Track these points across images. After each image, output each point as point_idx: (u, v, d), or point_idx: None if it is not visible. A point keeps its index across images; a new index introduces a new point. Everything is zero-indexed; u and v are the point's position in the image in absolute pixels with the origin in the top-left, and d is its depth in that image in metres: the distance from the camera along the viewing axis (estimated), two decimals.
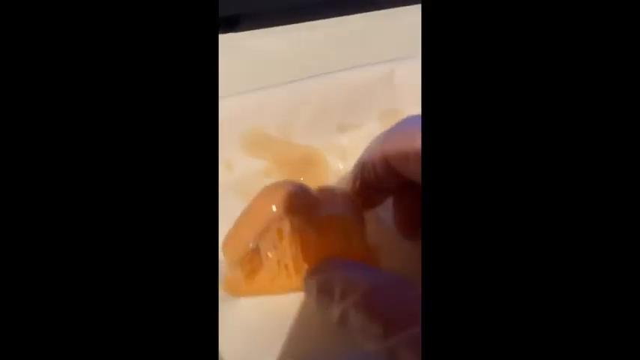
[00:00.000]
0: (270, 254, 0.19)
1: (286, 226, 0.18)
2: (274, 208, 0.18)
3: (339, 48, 0.33)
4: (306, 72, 0.31)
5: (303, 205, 0.18)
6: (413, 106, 0.25)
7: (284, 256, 0.19)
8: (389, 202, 0.21)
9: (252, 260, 0.19)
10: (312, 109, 0.25)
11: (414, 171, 0.17)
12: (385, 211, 0.21)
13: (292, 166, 0.24)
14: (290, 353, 0.19)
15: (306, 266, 0.19)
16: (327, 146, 0.25)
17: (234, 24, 0.34)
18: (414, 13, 0.34)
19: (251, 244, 0.18)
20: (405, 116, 0.19)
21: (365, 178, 0.20)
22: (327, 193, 0.19)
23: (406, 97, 0.26)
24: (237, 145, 0.24)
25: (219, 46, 0.34)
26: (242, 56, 0.33)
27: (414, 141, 0.17)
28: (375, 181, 0.19)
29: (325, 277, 0.17)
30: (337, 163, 0.25)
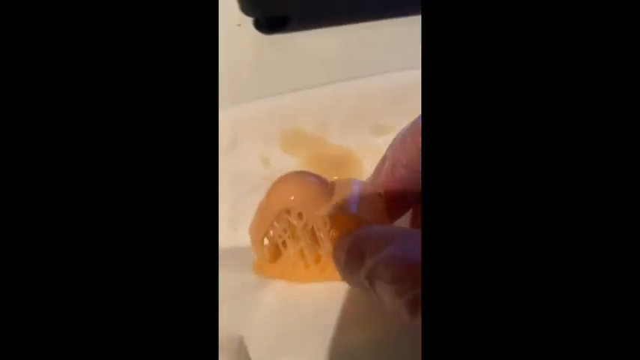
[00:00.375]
0: (283, 243, 0.19)
1: (295, 219, 0.18)
2: (286, 199, 0.17)
3: (382, 50, 0.33)
4: (349, 73, 0.32)
5: (316, 199, 0.17)
6: None
7: (297, 247, 0.19)
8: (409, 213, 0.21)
9: (270, 245, 0.19)
10: (347, 110, 0.26)
11: None
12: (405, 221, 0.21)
13: (326, 165, 0.25)
14: (314, 341, 0.19)
15: (320, 259, 0.19)
16: (362, 147, 0.26)
17: (282, 24, 0.35)
18: None
19: (266, 232, 0.18)
20: None
21: (392, 171, 0.18)
22: (347, 189, 0.18)
23: None
24: (275, 142, 0.25)
25: (267, 45, 0.35)
26: (287, 56, 0.34)
27: None
28: (403, 173, 0.18)
29: (357, 237, 0.16)
30: (371, 164, 0.26)
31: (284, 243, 0.19)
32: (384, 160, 0.19)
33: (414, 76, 0.26)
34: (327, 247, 0.18)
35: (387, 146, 0.26)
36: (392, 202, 0.19)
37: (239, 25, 0.36)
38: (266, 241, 0.19)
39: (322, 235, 0.18)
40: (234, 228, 0.23)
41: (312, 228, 0.18)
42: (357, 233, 0.16)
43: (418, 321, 0.13)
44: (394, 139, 0.19)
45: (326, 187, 0.18)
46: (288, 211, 0.17)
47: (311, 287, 0.20)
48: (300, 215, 0.17)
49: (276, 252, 0.19)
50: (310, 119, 0.26)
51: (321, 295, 0.20)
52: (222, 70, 0.34)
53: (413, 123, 0.18)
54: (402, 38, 0.34)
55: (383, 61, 0.30)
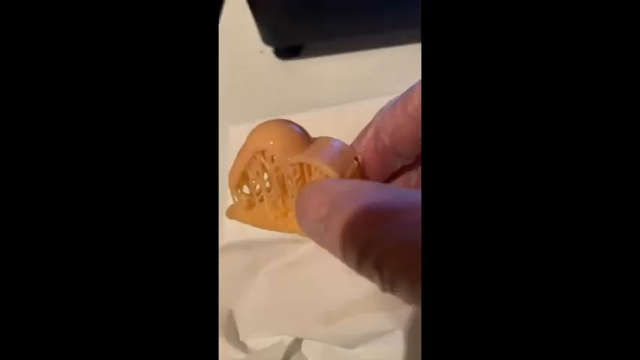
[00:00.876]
0: (258, 193, 0.18)
1: (268, 162, 0.17)
2: (263, 140, 0.17)
3: (388, 75, 0.37)
4: (356, 94, 0.36)
5: (293, 147, 0.17)
6: None
7: (270, 196, 0.18)
8: None
9: (249, 193, 0.19)
10: (350, 126, 0.29)
11: None
12: None
13: None
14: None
15: (288, 213, 0.18)
16: None
17: (298, 52, 0.40)
18: None
19: (241, 173, 0.18)
20: None
21: (375, 137, 0.18)
22: (325, 145, 0.18)
23: None
24: None
25: (285, 69, 0.40)
26: (302, 78, 0.39)
27: None
28: (386, 142, 0.17)
29: (318, 186, 0.15)
30: None
31: (259, 193, 0.19)
32: (369, 126, 0.19)
33: None
34: (294, 198, 0.17)
35: None
36: (367, 169, 0.18)
37: (261, 52, 0.40)
38: (246, 189, 0.19)
39: (290, 184, 0.17)
40: (240, 226, 0.27)
41: (283, 175, 0.17)
42: (321, 183, 0.16)
43: (364, 273, 0.12)
44: (383, 107, 0.19)
45: (307, 139, 0.17)
46: (262, 153, 0.17)
47: (300, 273, 0.24)
48: (272, 158, 0.17)
49: (252, 201, 0.19)
50: (316, 134, 0.29)
51: (309, 281, 0.24)
52: (243, 90, 0.38)
53: (404, 93, 0.18)
54: (408, 64, 0.38)
55: (389, 85, 0.33)
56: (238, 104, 0.36)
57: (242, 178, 0.18)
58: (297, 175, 0.17)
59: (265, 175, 0.18)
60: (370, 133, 0.18)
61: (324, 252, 0.24)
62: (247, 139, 0.17)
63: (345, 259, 0.13)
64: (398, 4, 0.34)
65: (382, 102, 0.30)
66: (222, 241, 0.26)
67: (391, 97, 0.31)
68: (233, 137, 0.31)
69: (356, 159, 0.18)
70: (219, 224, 0.27)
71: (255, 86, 0.40)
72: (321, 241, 0.14)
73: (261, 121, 0.31)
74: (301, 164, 0.17)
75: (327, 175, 0.16)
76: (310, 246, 0.24)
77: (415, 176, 0.20)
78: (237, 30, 0.41)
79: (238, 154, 0.18)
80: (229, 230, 0.27)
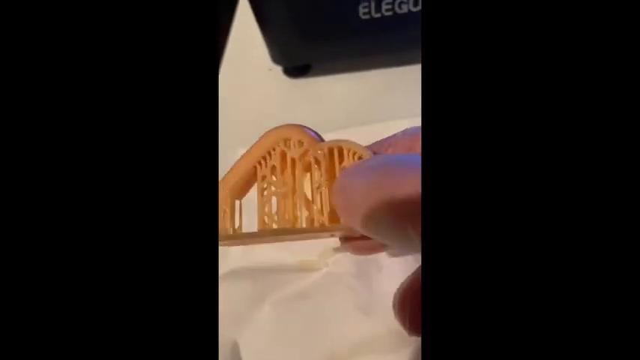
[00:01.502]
0: (267, 183, 0.16)
1: (294, 147, 0.16)
2: (283, 134, 0.16)
3: (393, 95, 0.37)
4: (362, 112, 0.35)
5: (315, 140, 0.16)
6: None
7: (283, 184, 0.16)
8: None
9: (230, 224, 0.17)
10: None
11: None
12: None
13: None
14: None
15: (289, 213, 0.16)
16: None
17: (306, 71, 0.40)
18: None
19: (248, 169, 0.17)
20: None
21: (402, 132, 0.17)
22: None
23: None
24: None
25: (293, 87, 0.39)
26: (309, 96, 0.39)
27: None
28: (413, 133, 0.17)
29: (377, 160, 0.14)
30: None
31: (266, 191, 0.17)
32: (394, 135, 0.17)
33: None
34: (318, 185, 0.16)
35: None
36: None
37: (270, 69, 0.40)
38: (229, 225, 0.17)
39: (317, 175, 0.16)
40: (244, 252, 0.27)
41: (309, 163, 0.16)
42: (365, 160, 0.14)
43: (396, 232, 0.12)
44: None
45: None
46: (286, 141, 0.16)
47: (306, 306, 0.23)
48: (300, 143, 0.16)
49: (237, 232, 0.17)
50: None
51: (316, 315, 0.23)
52: (251, 109, 0.38)
53: None
54: (416, 84, 0.37)
55: (398, 105, 0.33)
56: (246, 123, 0.36)
57: (235, 188, 0.17)
58: (326, 162, 0.16)
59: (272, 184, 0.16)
60: (399, 133, 0.17)
61: (332, 285, 0.24)
62: (259, 140, 0.16)
63: (377, 214, 0.12)
64: (407, 25, 0.34)
65: (393, 126, 0.30)
66: (227, 266, 0.26)
67: (399, 120, 0.31)
68: None
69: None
70: (226, 250, 0.27)
71: (264, 105, 0.40)
72: (348, 198, 0.13)
73: None
74: (331, 150, 0.16)
75: (360, 157, 0.15)
76: (317, 277, 0.24)
77: None
78: (246, 48, 0.41)
79: (239, 160, 0.17)
80: (234, 255, 0.27)
